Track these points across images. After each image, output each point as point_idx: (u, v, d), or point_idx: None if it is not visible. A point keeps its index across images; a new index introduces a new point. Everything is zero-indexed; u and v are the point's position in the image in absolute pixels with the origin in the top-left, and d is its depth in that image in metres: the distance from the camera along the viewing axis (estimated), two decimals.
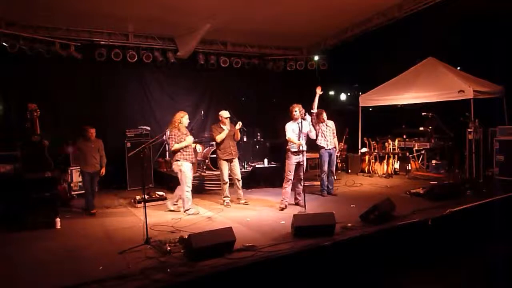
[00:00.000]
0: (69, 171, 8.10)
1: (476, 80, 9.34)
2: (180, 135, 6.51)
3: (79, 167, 7.28)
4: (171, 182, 8.76)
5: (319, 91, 7.33)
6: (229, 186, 7.26)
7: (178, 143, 6.45)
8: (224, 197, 7.15)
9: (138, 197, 7.20)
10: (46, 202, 5.96)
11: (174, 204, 6.84)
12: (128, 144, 8.84)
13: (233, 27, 9.50)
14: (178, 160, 6.50)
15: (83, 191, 7.92)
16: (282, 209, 6.66)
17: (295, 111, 6.64)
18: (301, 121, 6.63)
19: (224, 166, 7.10)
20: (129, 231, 5.61)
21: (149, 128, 9.32)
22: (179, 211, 6.67)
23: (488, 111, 9.01)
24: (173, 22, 8.91)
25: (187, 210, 6.51)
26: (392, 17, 9.01)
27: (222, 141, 7.06)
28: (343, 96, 12.75)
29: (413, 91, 9.59)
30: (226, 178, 7.13)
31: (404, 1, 8.58)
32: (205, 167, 9.19)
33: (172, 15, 8.40)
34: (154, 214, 6.44)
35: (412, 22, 9.08)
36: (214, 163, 8.74)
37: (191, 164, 6.63)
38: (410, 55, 10.26)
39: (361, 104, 10.72)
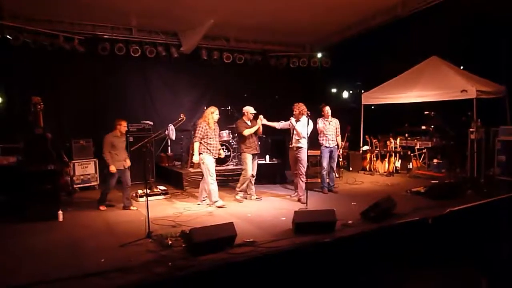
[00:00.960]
0: (71, 164, 8.12)
1: (479, 79, 9.30)
2: (208, 129, 6.53)
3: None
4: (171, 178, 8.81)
5: (260, 121, 7.14)
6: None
7: (203, 136, 6.48)
8: (240, 191, 7.11)
9: (139, 191, 7.23)
10: (49, 194, 6.01)
11: (203, 200, 6.81)
12: (131, 139, 8.86)
13: (236, 22, 9.49)
14: (201, 153, 6.52)
15: (86, 185, 8.02)
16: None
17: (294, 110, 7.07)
18: (307, 119, 6.85)
19: (249, 160, 7.04)
20: (131, 224, 5.63)
21: (151, 123, 9.33)
22: (210, 205, 6.69)
23: (491, 111, 8.98)
24: (177, 17, 8.90)
25: (215, 202, 6.55)
26: (396, 15, 8.99)
27: (248, 136, 7.04)
28: (345, 94, 12.71)
29: (416, 90, 9.54)
30: (250, 173, 7.04)
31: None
32: None
33: (176, 9, 8.40)
34: (156, 209, 6.46)
35: (416, 21, 9.05)
36: (219, 159, 8.76)
37: (213, 158, 6.64)
38: (414, 54, 10.19)
39: (363, 102, 10.69)
